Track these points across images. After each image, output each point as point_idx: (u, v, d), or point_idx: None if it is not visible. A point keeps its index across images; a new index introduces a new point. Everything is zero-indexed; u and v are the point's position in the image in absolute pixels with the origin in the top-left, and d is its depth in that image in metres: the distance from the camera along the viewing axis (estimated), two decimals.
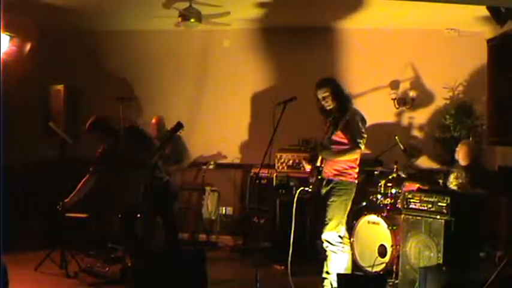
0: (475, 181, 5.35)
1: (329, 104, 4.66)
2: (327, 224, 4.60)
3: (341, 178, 4.63)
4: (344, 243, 4.65)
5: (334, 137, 4.61)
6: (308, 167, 4.87)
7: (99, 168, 5.36)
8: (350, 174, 4.66)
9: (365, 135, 4.65)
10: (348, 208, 4.67)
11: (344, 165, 4.63)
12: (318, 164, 4.72)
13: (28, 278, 5.18)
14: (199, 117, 7.10)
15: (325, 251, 4.68)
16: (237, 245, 6.88)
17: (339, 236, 4.61)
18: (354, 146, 4.57)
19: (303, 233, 5.70)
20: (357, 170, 4.71)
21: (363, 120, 4.69)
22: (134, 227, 5.33)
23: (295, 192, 4.81)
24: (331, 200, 4.62)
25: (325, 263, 4.70)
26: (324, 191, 4.69)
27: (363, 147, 4.63)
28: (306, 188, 4.82)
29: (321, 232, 4.65)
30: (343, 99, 4.67)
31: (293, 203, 4.77)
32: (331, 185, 4.64)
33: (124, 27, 7.21)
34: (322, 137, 4.77)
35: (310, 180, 4.77)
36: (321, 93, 4.67)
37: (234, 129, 7.30)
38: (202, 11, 6.14)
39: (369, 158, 6.52)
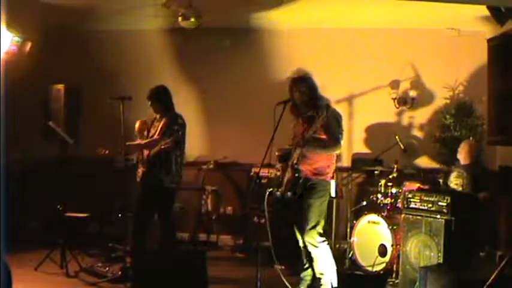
0: (476, 180, 5.36)
1: (305, 100, 4.63)
2: (309, 226, 4.56)
3: (320, 178, 4.59)
4: (323, 240, 4.65)
5: (315, 134, 4.54)
6: (279, 166, 4.84)
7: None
8: (328, 174, 4.64)
9: (343, 132, 4.63)
10: (326, 207, 4.66)
11: (323, 163, 4.59)
12: (295, 161, 4.65)
13: (28, 278, 5.18)
14: (199, 117, 7.10)
15: (310, 253, 4.65)
16: (237, 245, 6.88)
17: (319, 234, 4.59)
18: (335, 142, 4.54)
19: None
20: (333, 169, 4.70)
21: (341, 118, 4.67)
22: (141, 226, 5.30)
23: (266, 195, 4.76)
24: (311, 201, 4.56)
25: (313, 265, 4.68)
26: (299, 190, 4.63)
27: (341, 143, 4.61)
28: (274, 190, 4.79)
29: (303, 235, 4.61)
30: (317, 97, 4.64)
31: (294, 202, 4.76)
32: (309, 185, 4.59)
33: (124, 26, 7.21)
34: (296, 135, 4.71)
35: (283, 179, 4.72)
36: (298, 89, 4.64)
37: (234, 129, 7.30)
38: (202, 10, 6.14)
39: (369, 158, 6.53)
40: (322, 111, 4.55)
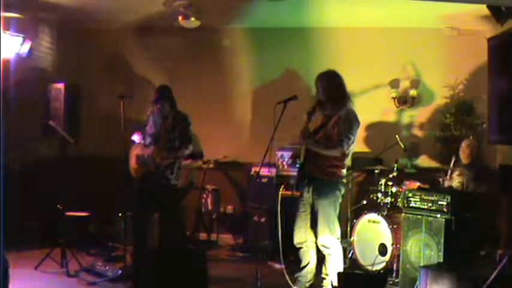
0: (477, 178, 5.36)
1: (325, 97, 4.62)
2: (321, 228, 4.54)
3: (325, 177, 4.55)
4: (339, 244, 4.65)
5: (324, 131, 4.55)
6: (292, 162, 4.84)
7: None
8: (335, 173, 4.57)
9: (352, 137, 4.53)
10: (338, 207, 4.61)
11: (328, 163, 4.53)
12: (301, 160, 4.63)
13: (29, 277, 5.18)
14: (200, 116, 7.09)
15: (311, 254, 4.66)
16: (237, 244, 6.89)
17: (335, 236, 4.59)
18: (337, 144, 4.48)
19: None
20: (343, 169, 4.62)
21: (356, 122, 4.57)
22: (142, 225, 5.32)
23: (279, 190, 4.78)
24: (317, 201, 4.54)
25: (323, 265, 4.69)
26: (307, 189, 4.62)
27: (345, 148, 4.51)
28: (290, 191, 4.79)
29: (315, 236, 4.61)
30: (339, 95, 4.62)
31: (294, 202, 4.77)
32: (315, 185, 4.57)
33: (124, 25, 7.20)
34: (308, 128, 4.68)
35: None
36: (319, 85, 4.64)
37: (234, 128, 7.31)
38: (202, 9, 6.14)
39: (369, 157, 6.53)
40: (337, 111, 4.53)
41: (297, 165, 4.71)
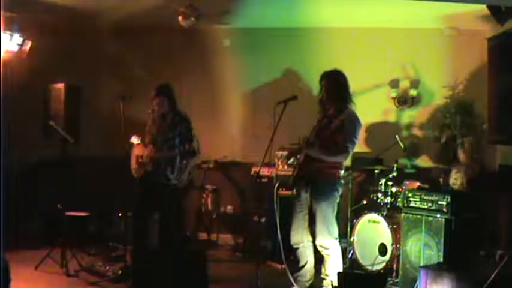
0: (476, 178, 5.36)
1: (328, 96, 4.61)
2: (319, 229, 4.54)
3: (324, 178, 4.54)
4: (338, 244, 4.65)
5: (325, 134, 4.54)
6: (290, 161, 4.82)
7: None
8: (333, 174, 4.56)
9: (356, 140, 4.53)
10: (336, 208, 4.62)
11: (327, 164, 4.52)
12: (301, 160, 4.62)
13: (29, 277, 5.19)
14: (200, 116, 7.09)
15: (320, 253, 4.66)
16: (237, 244, 6.89)
17: (333, 237, 4.59)
18: (342, 150, 4.48)
19: None
20: (341, 170, 4.62)
21: (359, 125, 4.57)
22: (142, 225, 5.32)
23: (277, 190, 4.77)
24: (316, 203, 4.54)
25: (322, 265, 4.69)
26: (305, 190, 4.62)
27: (350, 153, 4.53)
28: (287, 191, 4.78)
29: (314, 237, 4.61)
30: (343, 96, 4.61)
31: (293, 202, 4.77)
32: (313, 186, 4.56)
33: (124, 25, 7.20)
34: (312, 132, 4.68)
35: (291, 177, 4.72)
36: (322, 84, 4.63)
37: (234, 128, 7.31)
38: (202, 9, 6.14)
39: (369, 157, 6.53)
40: (340, 113, 4.52)
41: (294, 164, 4.70)
